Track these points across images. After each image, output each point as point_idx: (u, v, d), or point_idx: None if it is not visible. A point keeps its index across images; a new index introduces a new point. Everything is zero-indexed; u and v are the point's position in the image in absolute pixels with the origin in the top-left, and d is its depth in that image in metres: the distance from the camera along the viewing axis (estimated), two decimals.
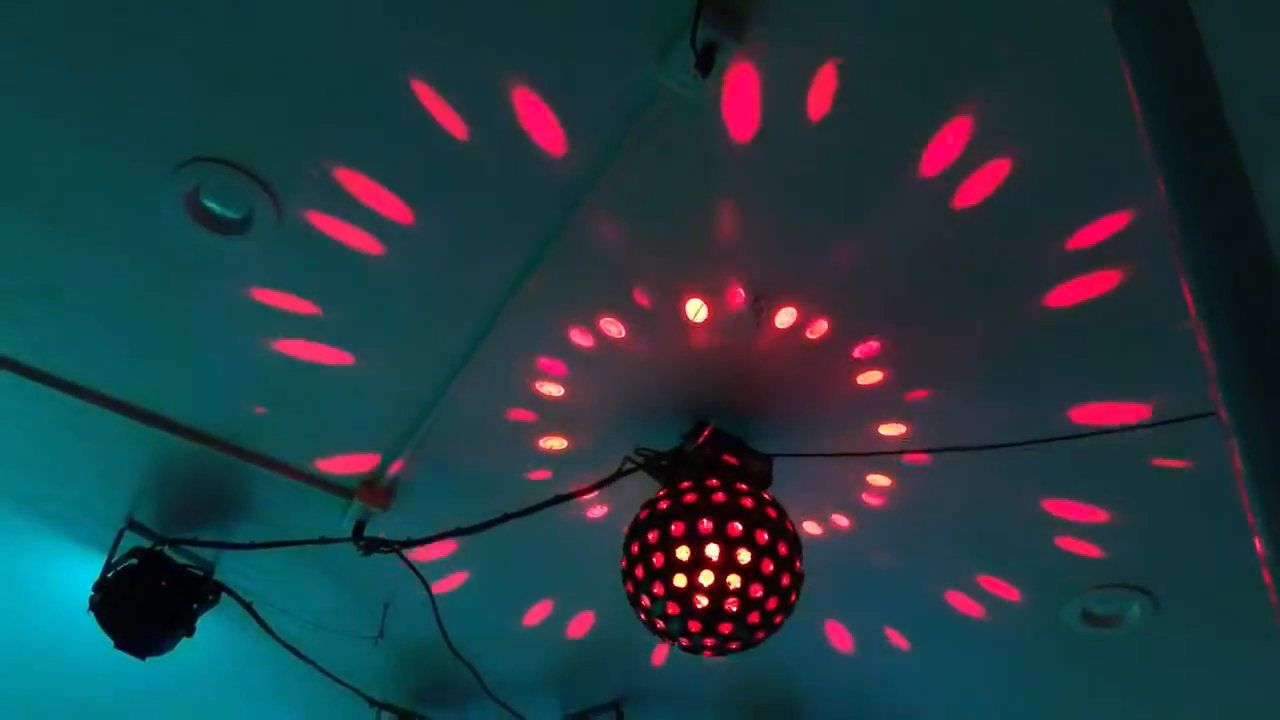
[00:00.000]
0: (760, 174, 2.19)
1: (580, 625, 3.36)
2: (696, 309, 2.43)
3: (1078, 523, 2.83)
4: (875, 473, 2.79)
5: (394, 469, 2.88)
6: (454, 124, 2.15)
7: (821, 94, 2.05)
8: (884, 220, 2.25)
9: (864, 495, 2.86)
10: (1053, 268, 2.31)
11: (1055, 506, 2.81)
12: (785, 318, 2.44)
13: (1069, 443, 2.57)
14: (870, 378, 2.56)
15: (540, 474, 2.87)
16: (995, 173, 2.16)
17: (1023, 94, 2.04)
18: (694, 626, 2.35)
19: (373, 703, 3.57)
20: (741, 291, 2.39)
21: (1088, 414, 2.58)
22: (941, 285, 2.37)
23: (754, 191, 2.23)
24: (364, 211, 2.31)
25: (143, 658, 2.99)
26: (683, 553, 2.31)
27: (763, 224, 2.29)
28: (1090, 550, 2.90)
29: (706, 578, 2.30)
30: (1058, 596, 3.04)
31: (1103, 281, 2.32)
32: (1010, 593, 3.07)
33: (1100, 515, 2.80)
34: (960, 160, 2.14)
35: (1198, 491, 2.66)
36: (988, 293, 2.37)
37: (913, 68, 2.02)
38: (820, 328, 2.46)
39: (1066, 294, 2.35)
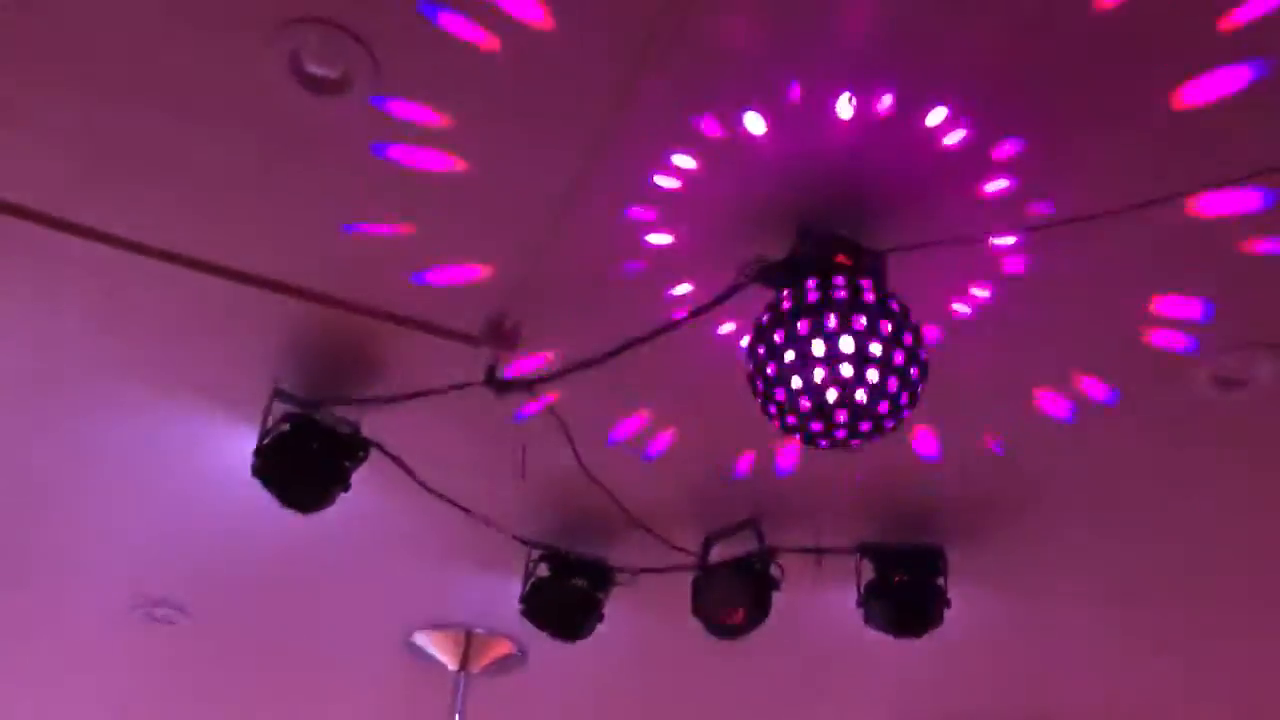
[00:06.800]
0: None
1: (709, 445, 3.43)
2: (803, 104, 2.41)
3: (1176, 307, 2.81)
4: (989, 266, 2.77)
5: (517, 309, 2.95)
6: None
7: None
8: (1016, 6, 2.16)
9: (976, 291, 2.85)
10: (1195, 56, 2.20)
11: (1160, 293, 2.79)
12: (896, 110, 2.38)
13: (1178, 234, 2.54)
14: (990, 172, 2.51)
15: (660, 293, 2.88)
16: None
17: None
18: (826, 421, 2.40)
19: (523, 542, 3.74)
20: (851, 87, 2.35)
21: (1206, 205, 2.51)
22: (1076, 76, 2.28)
23: None
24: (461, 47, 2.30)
25: (306, 513, 3.18)
26: (818, 348, 2.35)
27: (880, 12, 2.20)
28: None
29: (837, 370, 2.35)
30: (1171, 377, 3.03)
31: (1242, 74, 2.21)
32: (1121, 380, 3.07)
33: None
34: None
35: None
36: (1121, 83, 2.28)
37: None
38: (934, 118, 2.40)
39: (1204, 87, 2.25)
